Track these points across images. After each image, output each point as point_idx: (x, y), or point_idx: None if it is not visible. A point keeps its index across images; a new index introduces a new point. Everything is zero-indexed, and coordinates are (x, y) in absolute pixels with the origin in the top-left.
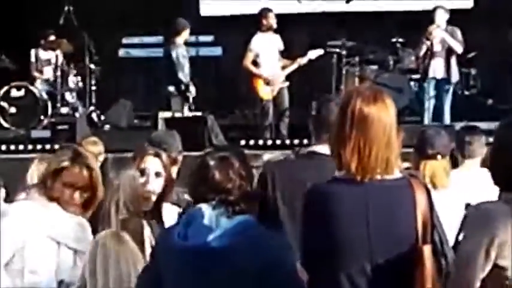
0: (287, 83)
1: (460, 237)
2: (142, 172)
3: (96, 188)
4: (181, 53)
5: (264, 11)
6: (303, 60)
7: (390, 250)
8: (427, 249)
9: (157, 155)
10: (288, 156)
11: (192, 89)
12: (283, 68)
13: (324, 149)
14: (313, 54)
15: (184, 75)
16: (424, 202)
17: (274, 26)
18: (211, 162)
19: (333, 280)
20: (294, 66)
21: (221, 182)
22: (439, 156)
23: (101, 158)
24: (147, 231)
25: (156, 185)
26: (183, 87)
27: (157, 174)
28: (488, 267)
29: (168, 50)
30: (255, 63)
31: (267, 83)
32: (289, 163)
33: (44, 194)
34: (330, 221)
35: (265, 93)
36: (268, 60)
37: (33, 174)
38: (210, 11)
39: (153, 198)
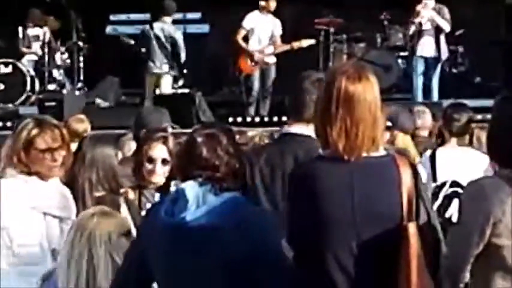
0: (274, 60)
1: (449, 213)
2: (150, 160)
3: (68, 144)
4: (179, 34)
5: None
6: (295, 44)
7: (375, 228)
8: (412, 227)
9: (164, 142)
10: (268, 139)
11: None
12: (275, 49)
13: (301, 129)
14: (306, 42)
15: (184, 54)
16: (409, 179)
17: (271, 8)
18: (199, 139)
19: (319, 258)
20: (286, 47)
21: (209, 158)
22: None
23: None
24: (123, 209)
25: (162, 173)
26: (180, 64)
27: (164, 162)
28: (483, 245)
29: (162, 28)
30: (246, 39)
31: (252, 58)
32: (268, 150)
33: (21, 168)
34: (315, 199)
35: (247, 67)
36: (258, 38)
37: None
38: None
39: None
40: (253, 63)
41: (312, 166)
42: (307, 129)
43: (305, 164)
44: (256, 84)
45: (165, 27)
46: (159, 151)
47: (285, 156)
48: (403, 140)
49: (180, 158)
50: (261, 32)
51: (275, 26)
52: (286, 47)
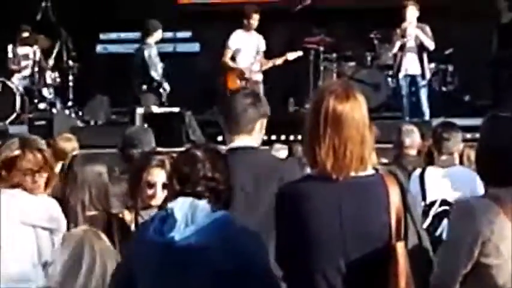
0: (261, 77)
1: (439, 231)
2: (150, 185)
3: (52, 167)
4: (153, 52)
5: (249, 11)
6: (277, 61)
7: (364, 248)
8: (400, 246)
9: (162, 166)
10: None
11: (166, 86)
12: (261, 66)
13: (243, 141)
14: (292, 55)
15: (157, 73)
16: (397, 198)
17: (255, 26)
18: (199, 153)
19: (307, 277)
20: (269, 65)
21: (210, 170)
22: None
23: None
24: (114, 228)
25: (163, 197)
26: (155, 84)
27: (164, 186)
28: (471, 264)
29: (141, 49)
30: (233, 59)
31: (241, 76)
32: None
33: (2, 184)
34: (303, 219)
35: (236, 86)
36: (245, 57)
37: None
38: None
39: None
40: (242, 82)
41: (300, 185)
42: (251, 141)
43: (293, 183)
44: None
45: (151, 50)
46: (158, 176)
47: (242, 174)
48: None
49: (179, 171)
50: (247, 50)
51: (260, 42)
52: (273, 62)
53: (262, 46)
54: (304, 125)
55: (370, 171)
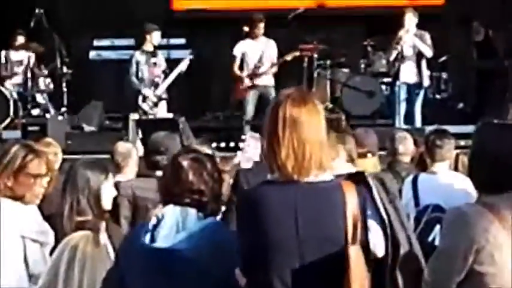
0: (271, 82)
1: (431, 237)
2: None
3: (52, 171)
4: (141, 58)
5: (255, 20)
6: (279, 60)
7: (320, 252)
8: (353, 250)
9: None
10: None
11: (148, 93)
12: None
13: None
14: (289, 56)
15: (139, 80)
16: (354, 204)
17: (260, 34)
18: (185, 163)
19: (266, 282)
20: (273, 70)
21: (195, 183)
22: (369, 155)
23: (55, 158)
24: (103, 235)
25: None
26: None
27: None
28: (465, 272)
29: (133, 54)
30: (241, 67)
31: (242, 82)
32: None
33: (5, 193)
34: (261, 224)
35: (239, 91)
36: (250, 63)
37: None
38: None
39: None
40: (245, 87)
41: (258, 191)
42: None
43: (252, 189)
44: (248, 108)
45: (139, 55)
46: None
47: None
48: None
49: (165, 181)
50: (252, 56)
51: (267, 46)
52: (272, 65)
53: (272, 51)
54: (263, 131)
55: (328, 176)
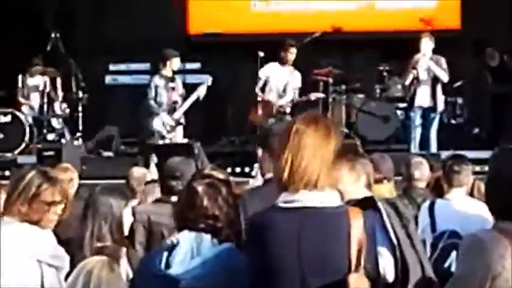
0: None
1: (447, 263)
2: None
3: (68, 198)
4: (160, 82)
5: (287, 44)
6: (309, 96)
7: (323, 277)
8: (352, 279)
9: None
10: None
11: (166, 118)
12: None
13: None
14: (314, 96)
15: (158, 104)
16: (360, 230)
17: (291, 60)
18: (200, 188)
19: None
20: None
21: (210, 208)
22: (385, 181)
23: (71, 184)
24: (123, 261)
25: None
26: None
27: None
28: None
29: (151, 79)
30: (263, 90)
31: (266, 107)
32: None
33: (21, 218)
34: (266, 249)
35: (256, 117)
36: (272, 89)
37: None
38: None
39: None
40: (264, 113)
41: (265, 215)
42: None
43: (260, 213)
44: None
45: (157, 80)
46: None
47: None
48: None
49: (180, 207)
50: (274, 82)
51: (292, 77)
52: (296, 102)
53: (296, 82)
54: (273, 150)
55: (335, 201)
